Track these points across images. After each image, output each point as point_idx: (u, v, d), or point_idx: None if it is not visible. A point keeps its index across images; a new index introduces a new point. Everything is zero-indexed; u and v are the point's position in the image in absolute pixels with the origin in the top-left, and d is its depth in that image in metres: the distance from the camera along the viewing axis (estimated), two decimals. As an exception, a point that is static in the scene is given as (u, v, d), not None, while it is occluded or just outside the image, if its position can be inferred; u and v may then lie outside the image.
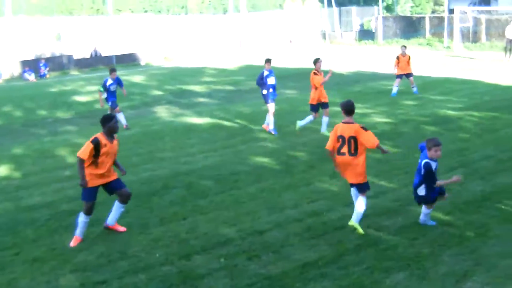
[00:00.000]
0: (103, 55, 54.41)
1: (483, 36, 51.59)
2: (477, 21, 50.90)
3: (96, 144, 11.00)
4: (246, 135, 20.00)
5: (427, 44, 52.66)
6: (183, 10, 63.50)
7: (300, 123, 19.69)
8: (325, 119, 19.41)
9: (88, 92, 34.34)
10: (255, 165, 16.09)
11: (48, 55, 51.72)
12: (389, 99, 25.83)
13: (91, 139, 11.08)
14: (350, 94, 27.37)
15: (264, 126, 20.48)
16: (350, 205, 12.18)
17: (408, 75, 27.36)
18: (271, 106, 19.96)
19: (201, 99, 29.29)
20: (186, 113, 25.22)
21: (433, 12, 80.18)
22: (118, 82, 22.57)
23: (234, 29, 61.44)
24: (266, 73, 20.01)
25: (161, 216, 12.49)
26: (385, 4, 68.49)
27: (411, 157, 15.69)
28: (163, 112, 26.16)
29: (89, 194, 11.30)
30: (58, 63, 50.44)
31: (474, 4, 61.87)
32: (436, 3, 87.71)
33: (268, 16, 65.07)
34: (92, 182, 11.18)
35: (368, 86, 30.24)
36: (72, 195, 14.40)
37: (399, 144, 17.38)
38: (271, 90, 19.92)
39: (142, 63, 52.99)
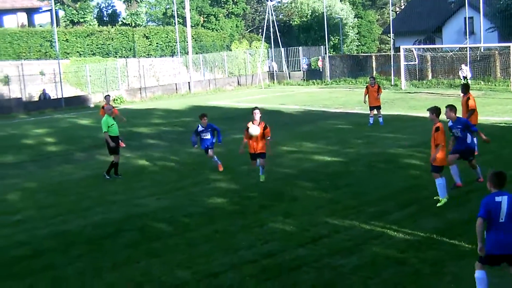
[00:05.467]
0: (51, 97, 54.09)
1: (429, 74, 52.59)
2: (422, 59, 51.91)
3: None
4: (197, 176, 19.92)
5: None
6: (131, 53, 63.53)
7: None
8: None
9: (37, 135, 34.04)
10: (207, 207, 16.01)
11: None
12: (339, 138, 26.02)
13: None
14: (300, 134, 27.62)
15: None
16: (305, 245, 12.24)
17: (378, 107, 29.03)
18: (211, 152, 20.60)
19: (151, 141, 29.16)
20: (136, 156, 25.03)
21: (379, 50, 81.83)
22: None
23: (182, 70, 61.62)
24: (200, 128, 20.60)
25: (114, 260, 12.30)
26: (331, 43, 69.47)
27: (363, 196, 15.86)
28: (113, 154, 25.93)
29: None
30: (6, 107, 49.93)
31: (419, 43, 63.20)
32: (382, 42, 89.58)
33: (215, 57, 65.61)
34: None
35: (318, 125, 30.47)
36: (22, 240, 14.18)
37: (351, 183, 17.51)
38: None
39: (92, 105, 52.76)
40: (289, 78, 64.84)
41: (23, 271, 11.98)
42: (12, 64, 54.67)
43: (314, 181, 18.00)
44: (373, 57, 59.57)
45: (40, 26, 79.47)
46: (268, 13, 64.59)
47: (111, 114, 21.31)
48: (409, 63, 50.01)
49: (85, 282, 11.26)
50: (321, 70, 62.52)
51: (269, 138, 18.52)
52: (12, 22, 76.50)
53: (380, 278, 10.40)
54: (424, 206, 14.52)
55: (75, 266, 12.08)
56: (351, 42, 78.56)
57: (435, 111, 14.76)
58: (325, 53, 63.08)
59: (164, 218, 15.21)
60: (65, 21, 72.22)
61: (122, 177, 20.63)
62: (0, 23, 72.36)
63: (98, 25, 69.87)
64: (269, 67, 67.60)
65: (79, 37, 61.88)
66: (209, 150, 20.52)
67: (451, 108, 15.71)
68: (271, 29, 64.65)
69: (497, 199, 8.61)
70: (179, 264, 11.80)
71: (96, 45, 62.47)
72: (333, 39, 72.49)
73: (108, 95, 28.01)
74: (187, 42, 63.37)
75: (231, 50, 70.11)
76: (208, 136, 20.55)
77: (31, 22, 77.41)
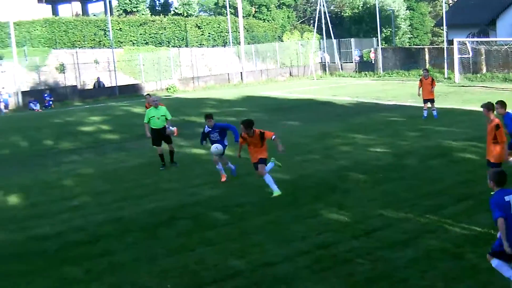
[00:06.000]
0: (106, 85, 54.98)
1: (483, 67, 51.78)
2: (476, 52, 51.11)
3: None
4: (250, 166, 19.86)
5: (428, 75, 52.98)
6: (183, 42, 63.97)
7: None
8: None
9: (92, 122, 34.62)
10: (261, 197, 16.06)
11: (52, 86, 52.58)
12: (392, 130, 25.84)
13: None
14: (352, 126, 27.51)
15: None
16: (359, 237, 12.22)
17: (431, 100, 28.65)
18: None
19: (203, 130, 29.36)
20: (189, 144, 25.26)
21: (431, 43, 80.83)
22: None
23: (234, 60, 61.89)
24: (207, 129, 18.42)
25: (169, 247, 12.49)
26: (383, 35, 68.96)
27: (417, 189, 15.75)
28: (166, 143, 26.25)
29: None
30: (62, 94, 50.91)
31: (473, 35, 62.25)
32: (434, 35, 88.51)
33: (267, 48, 65.73)
34: None
35: (370, 118, 30.28)
36: (79, 225, 14.55)
37: (404, 176, 17.39)
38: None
39: (145, 94, 53.30)
40: (341, 69, 64.58)
41: (81, 256, 12.25)
42: (67, 53, 55.77)
43: (367, 173, 17.93)
44: (426, 50, 58.93)
45: (94, 15, 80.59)
46: (320, 4, 64.37)
47: (156, 106, 21.39)
48: (462, 56, 49.30)
49: (140, 268, 11.44)
50: (373, 62, 62.14)
51: (273, 137, 16.24)
52: (67, 11, 77.86)
53: (437, 272, 10.30)
54: (479, 201, 14.29)
55: (130, 252, 12.30)
56: (403, 34, 77.88)
57: (491, 107, 14.65)
58: (377, 45, 62.63)
59: (218, 207, 15.33)
60: (118, 10, 73.08)
61: (164, 168, 20.79)
62: (55, 12, 73.61)
63: (151, 15, 70.55)
64: (321, 58, 67.41)
65: (132, 26, 62.62)
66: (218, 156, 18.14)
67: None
68: (323, 20, 64.38)
69: (506, 198, 8.82)
70: (233, 253, 11.88)
71: (149, 35, 63.12)
72: (385, 31, 71.93)
73: (149, 94, 28.24)
74: (239, 32, 63.59)
75: (282, 41, 70.11)
76: (216, 137, 18.30)
77: (85, 11, 78.73)
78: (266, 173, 16.27)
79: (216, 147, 17.66)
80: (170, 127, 23.49)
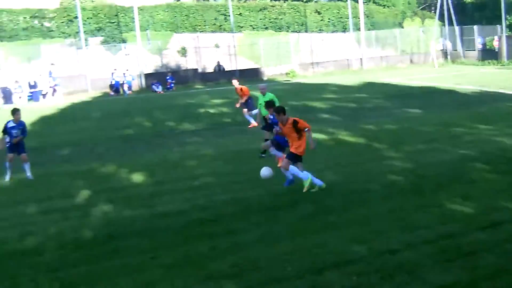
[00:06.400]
0: (226, 69, 55.91)
1: None
2: None
3: None
4: (372, 153, 19.82)
5: (556, 64, 50.99)
6: (303, 28, 64.01)
7: None
8: None
9: (213, 105, 35.23)
10: (383, 184, 15.89)
11: (174, 68, 54.03)
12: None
13: None
14: (476, 115, 26.80)
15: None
16: (485, 229, 11.90)
17: None
18: None
19: (325, 116, 29.35)
20: (312, 128, 25.22)
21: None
22: None
23: (354, 46, 61.53)
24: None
25: (291, 230, 12.55)
26: (507, 22, 66.72)
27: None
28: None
29: None
30: (183, 77, 52.17)
31: None
32: None
33: (387, 34, 64.99)
34: None
35: (495, 107, 29.40)
36: (202, 204, 14.88)
37: (534, 168, 16.83)
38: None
39: (265, 78, 53.91)
40: (464, 57, 63.02)
41: (205, 234, 12.51)
42: (189, 37, 56.94)
43: (492, 164, 17.36)
44: (554, 38, 56.71)
45: (214, 0, 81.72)
46: (442, -9, 63.04)
47: (263, 93, 21.55)
48: None
49: (262, 248, 11.54)
50: (496, 50, 60.31)
51: (306, 130, 15.79)
52: (188, -4, 79.32)
53: None
54: None
55: (253, 233, 12.44)
56: (528, 22, 75.05)
57: None
58: (502, 33, 60.69)
59: (339, 192, 15.27)
60: (237, -5, 73.91)
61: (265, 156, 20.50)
62: (177, -3, 75.11)
63: (270, 0, 70.90)
64: (442, 45, 66.00)
65: (252, 11, 63.18)
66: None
67: None
68: (445, 6, 62.93)
69: None
70: (354, 239, 11.79)
71: (269, 19, 63.52)
72: (509, 18, 69.50)
73: (236, 78, 29.10)
74: (359, 18, 63.07)
75: (403, 28, 69.05)
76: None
77: (206, -4, 79.86)
78: (290, 168, 15.56)
79: (268, 170, 16.24)
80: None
